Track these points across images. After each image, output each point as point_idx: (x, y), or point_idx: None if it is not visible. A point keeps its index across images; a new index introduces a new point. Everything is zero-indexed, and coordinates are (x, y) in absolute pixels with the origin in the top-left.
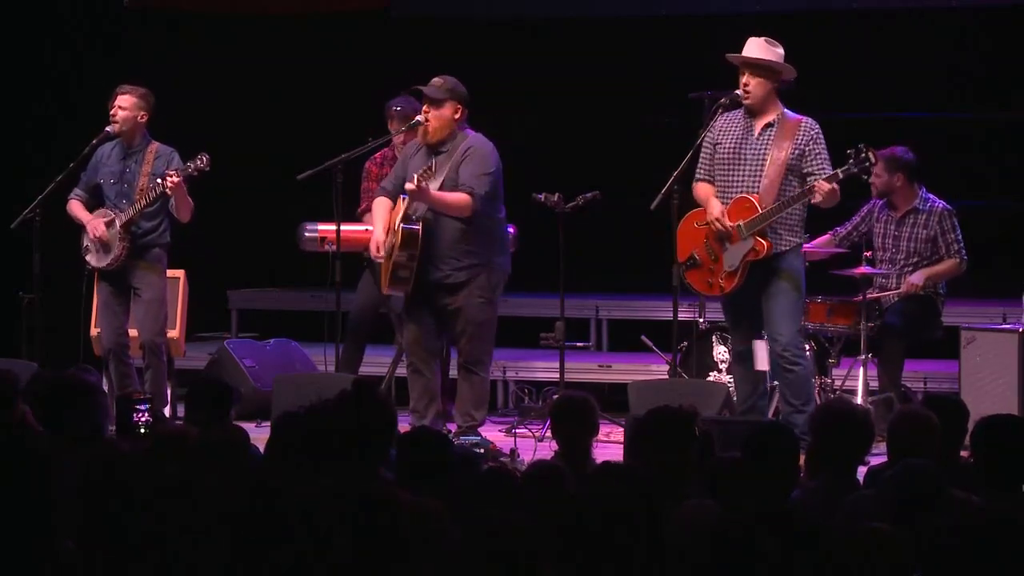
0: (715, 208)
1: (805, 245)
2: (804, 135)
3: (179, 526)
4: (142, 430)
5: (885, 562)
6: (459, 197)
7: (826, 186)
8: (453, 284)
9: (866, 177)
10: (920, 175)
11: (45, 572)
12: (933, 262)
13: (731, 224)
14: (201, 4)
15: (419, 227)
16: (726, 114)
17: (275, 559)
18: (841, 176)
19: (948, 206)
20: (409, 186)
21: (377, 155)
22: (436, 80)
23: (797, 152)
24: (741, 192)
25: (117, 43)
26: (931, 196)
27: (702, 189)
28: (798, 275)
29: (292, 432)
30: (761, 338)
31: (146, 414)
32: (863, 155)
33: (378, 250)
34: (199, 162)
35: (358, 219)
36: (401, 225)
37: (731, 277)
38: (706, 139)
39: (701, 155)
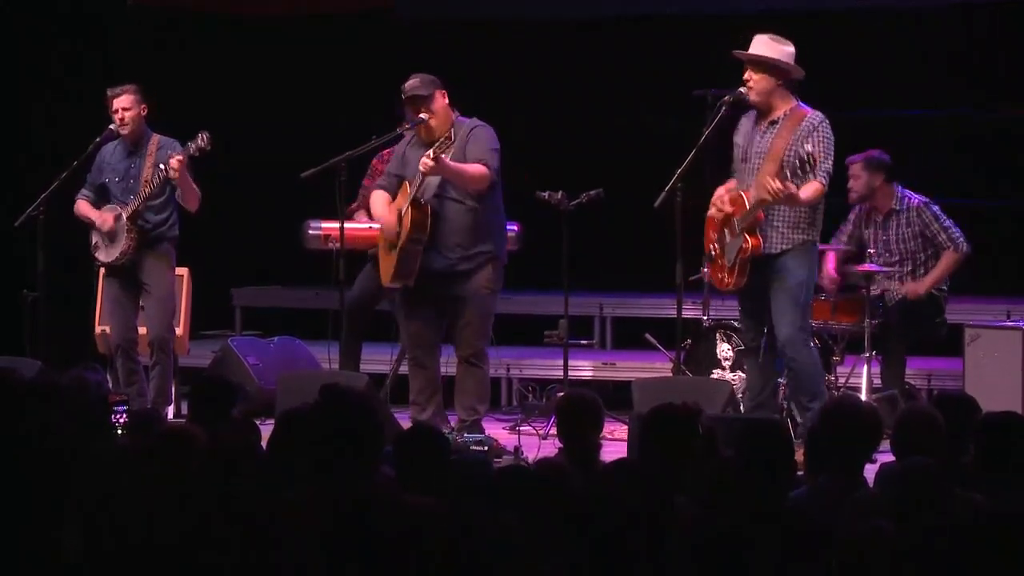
0: (717, 192)
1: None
2: (805, 128)
3: None
4: (119, 431)
5: (887, 561)
6: (477, 168)
7: (770, 185)
8: (460, 272)
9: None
10: (896, 174)
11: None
12: (930, 257)
13: (728, 210)
14: (205, 3)
15: (427, 211)
16: (748, 113)
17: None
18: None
19: (924, 199)
20: (426, 161)
21: (385, 152)
22: (410, 82)
23: (795, 146)
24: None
25: (120, 42)
26: (907, 192)
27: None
28: (802, 272)
29: (295, 431)
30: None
31: (124, 415)
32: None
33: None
34: (200, 141)
35: (349, 215)
36: (410, 209)
37: (731, 272)
38: (734, 139)
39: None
